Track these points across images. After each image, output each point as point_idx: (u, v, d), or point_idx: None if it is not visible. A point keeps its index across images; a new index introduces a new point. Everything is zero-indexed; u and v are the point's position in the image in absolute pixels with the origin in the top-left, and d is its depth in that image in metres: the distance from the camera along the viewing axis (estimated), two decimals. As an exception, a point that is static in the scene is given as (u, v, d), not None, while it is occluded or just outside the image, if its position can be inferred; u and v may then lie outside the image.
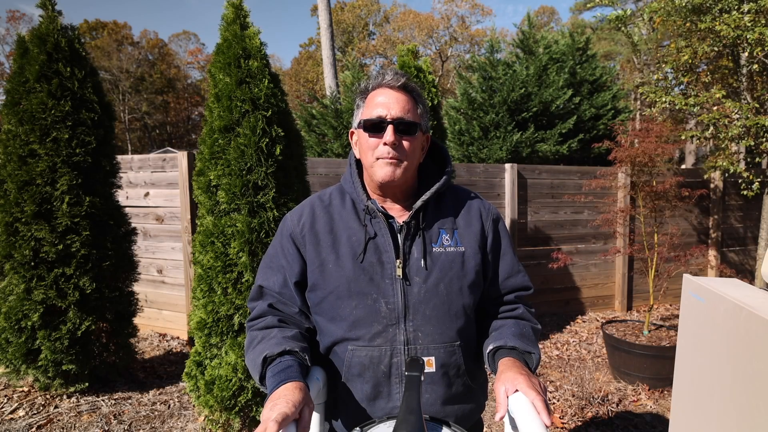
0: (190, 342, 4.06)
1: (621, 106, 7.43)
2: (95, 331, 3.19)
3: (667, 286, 4.12)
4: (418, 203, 1.10)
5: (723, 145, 4.70)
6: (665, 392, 3.40)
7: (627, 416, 3.09)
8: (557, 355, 4.17)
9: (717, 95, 4.50)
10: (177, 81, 37.65)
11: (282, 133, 2.52)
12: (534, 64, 6.71)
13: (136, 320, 3.48)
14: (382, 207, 1.11)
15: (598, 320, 5.09)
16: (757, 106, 4.67)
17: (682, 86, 5.50)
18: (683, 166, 12.31)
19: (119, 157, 3.66)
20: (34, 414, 2.94)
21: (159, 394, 3.27)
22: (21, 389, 3.21)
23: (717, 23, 4.39)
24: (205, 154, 2.53)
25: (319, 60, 28.17)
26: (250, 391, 2.45)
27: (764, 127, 4.40)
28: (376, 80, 1.13)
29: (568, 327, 4.92)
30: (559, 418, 3.06)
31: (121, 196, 3.98)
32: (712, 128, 4.66)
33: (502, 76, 6.73)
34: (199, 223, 2.58)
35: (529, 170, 5.02)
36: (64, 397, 3.13)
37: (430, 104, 3.77)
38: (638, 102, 13.26)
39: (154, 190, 4.36)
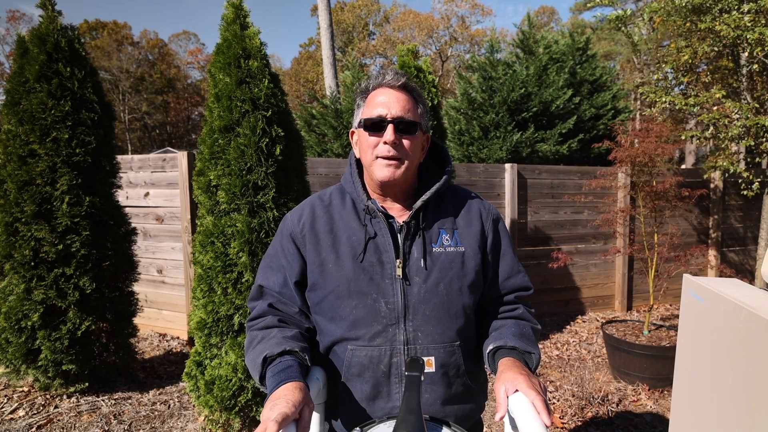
0: (190, 342, 4.06)
1: (621, 106, 7.43)
2: (95, 331, 3.19)
3: (667, 286, 4.12)
4: (418, 203, 1.10)
5: (723, 145, 4.70)
6: (665, 392, 3.40)
7: (627, 416, 3.09)
8: (557, 355, 4.17)
9: (717, 95, 4.50)
10: (177, 81, 37.65)
11: (282, 133, 2.52)
12: (534, 64, 6.71)
13: (136, 320, 3.48)
14: (382, 207, 1.11)
15: (598, 320, 5.09)
16: (757, 106, 4.67)
17: (682, 86, 5.50)
18: (683, 166, 12.31)
19: (119, 157, 3.66)
20: (34, 414, 2.94)
21: (159, 394, 3.27)
22: (21, 389, 3.21)
23: (717, 23, 4.39)
24: (205, 154, 2.53)
25: (319, 60, 28.17)
26: (250, 391, 2.45)
27: (764, 127, 4.40)
28: (376, 80, 1.13)
29: (568, 327, 4.92)
30: (559, 418, 3.06)
31: (121, 196, 3.98)
32: (712, 128, 4.66)
33: (502, 76, 6.73)
34: (199, 223, 2.58)
35: (529, 170, 5.01)
36: (64, 397, 3.13)
37: (430, 104, 3.77)
38: (638, 102, 13.26)
39: (154, 190, 4.36)
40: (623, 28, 6.41)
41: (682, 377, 1.49)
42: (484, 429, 1.69)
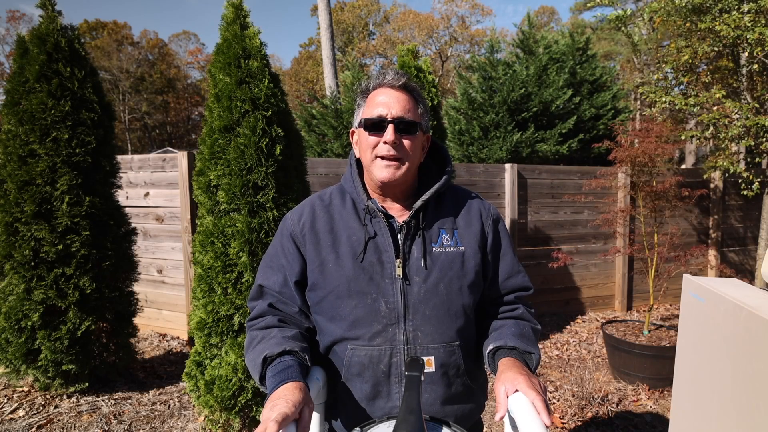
0: (190, 342, 4.06)
1: (621, 106, 7.43)
2: (95, 331, 3.19)
3: (667, 286, 4.12)
4: (418, 203, 1.10)
5: (723, 145, 4.70)
6: (665, 392, 3.40)
7: (627, 416, 3.09)
8: (557, 355, 4.17)
9: (717, 95, 4.50)
10: (177, 81, 37.65)
11: (282, 133, 2.52)
12: (534, 64, 6.71)
13: (136, 320, 3.48)
14: (382, 206, 1.11)
15: (598, 320, 5.09)
16: (757, 106, 4.67)
17: (682, 86, 5.50)
18: (683, 166, 12.31)
19: (119, 157, 3.66)
20: (34, 414, 2.94)
21: (159, 394, 3.27)
22: (21, 389, 3.21)
23: (717, 23, 4.39)
24: (205, 154, 2.53)
25: (319, 60, 28.17)
26: (250, 391, 2.45)
27: (764, 127, 4.40)
28: (377, 80, 1.13)
29: (568, 327, 4.92)
30: (559, 418, 3.06)
31: (121, 196, 3.98)
32: (712, 128, 4.66)
33: (502, 76, 6.73)
34: (199, 223, 2.58)
35: (529, 170, 5.02)
36: (64, 397, 3.13)
37: (430, 104, 3.77)
38: (638, 102, 13.26)
39: (154, 190, 4.36)
40: (623, 28, 6.41)
41: (682, 377, 1.49)
42: (484, 429, 1.69)
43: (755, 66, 4.67)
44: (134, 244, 3.45)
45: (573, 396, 3.34)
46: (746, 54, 4.65)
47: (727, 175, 5.40)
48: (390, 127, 1.06)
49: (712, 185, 5.57)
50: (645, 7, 5.62)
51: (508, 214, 4.87)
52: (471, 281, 1.11)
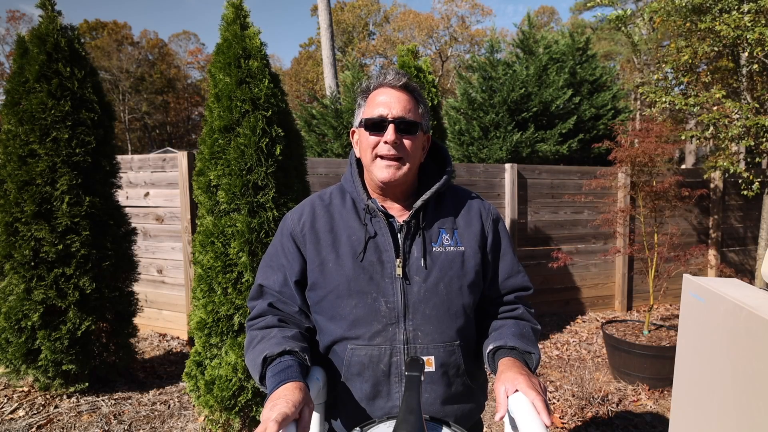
0: (190, 342, 4.06)
1: (621, 106, 7.43)
2: (95, 331, 3.18)
3: (667, 286, 4.12)
4: (419, 203, 1.10)
5: (723, 145, 4.70)
6: (665, 392, 3.40)
7: (627, 416, 3.09)
8: (557, 355, 4.17)
9: (717, 95, 4.50)
10: (177, 81, 37.66)
11: (282, 133, 2.52)
12: (534, 64, 6.71)
13: (136, 320, 3.48)
14: (382, 206, 1.11)
15: (598, 320, 5.09)
16: (757, 106, 4.67)
17: (682, 86, 5.50)
18: (683, 166, 12.31)
19: (119, 157, 3.66)
20: (34, 414, 2.94)
21: (159, 394, 3.27)
22: (21, 389, 3.21)
23: (717, 23, 4.39)
24: (205, 154, 2.53)
25: (319, 60, 28.17)
26: (250, 391, 2.45)
27: (764, 127, 4.40)
28: (377, 80, 1.13)
29: (568, 327, 4.92)
30: (559, 418, 3.06)
31: (121, 196, 3.98)
32: (712, 128, 4.66)
33: (502, 76, 6.73)
34: (199, 223, 2.58)
35: (529, 170, 5.02)
36: (64, 397, 3.13)
37: (430, 104, 3.77)
38: (638, 102, 13.27)
39: (154, 190, 4.36)
40: (623, 28, 6.41)
41: (682, 377, 1.49)
42: (484, 429, 1.69)
43: (755, 66, 4.67)
44: (134, 244, 3.45)
45: (573, 396, 3.34)
46: (746, 54, 4.65)
47: (727, 175, 5.40)
48: (391, 127, 1.06)
49: (712, 185, 5.57)
50: (645, 7, 5.62)
51: (508, 214, 4.87)
52: (471, 281, 1.11)
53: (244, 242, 2.40)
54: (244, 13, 2.57)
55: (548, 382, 3.61)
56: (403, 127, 1.08)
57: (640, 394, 3.40)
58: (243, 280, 2.44)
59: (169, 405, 3.13)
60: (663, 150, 3.68)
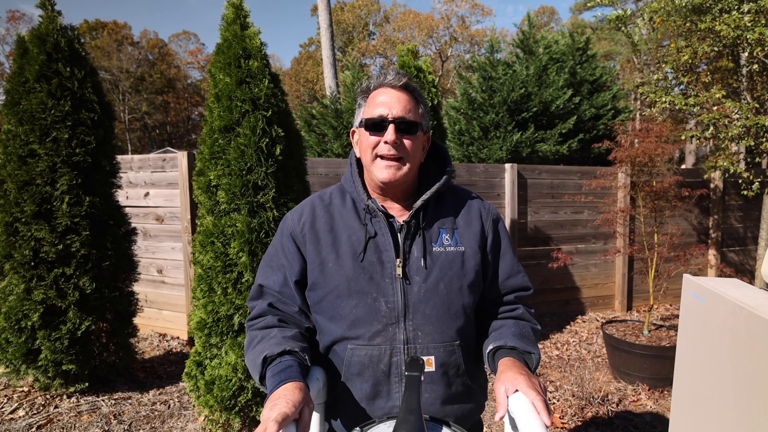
0: (190, 342, 4.06)
1: (621, 106, 7.43)
2: (95, 331, 3.18)
3: (667, 286, 4.12)
4: (419, 203, 1.10)
5: (723, 145, 4.70)
6: (665, 392, 3.40)
7: (627, 416, 3.09)
8: (557, 355, 4.17)
9: (717, 95, 4.50)
10: (177, 81, 37.65)
11: (282, 133, 2.52)
12: (534, 64, 6.71)
13: (136, 320, 3.48)
14: (382, 206, 1.11)
15: (598, 320, 5.09)
16: (757, 106, 4.67)
17: (682, 86, 5.50)
18: (683, 166, 12.31)
19: (119, 157, 3.66)
20: (34, 414, 2.94)
21: (159, 394, 3.27)
22: (21, 389, 3.21)
23: (717, 23, 4.39)
24: (205, 154, 2.53)
25: (319, 60, 28.17)
26: (250, 391, 2.45)
27: (764, 127, 4.40)
28: (377, 80, 1.13)
29: (568, 327, 4.92)
30: (559, 418, 3.06)
31: (121, 196, 3.98)
32: (712, 128, 4.66)
33: (502, 76, 6.73)
34: (199, 223, 2.58)
35: (529, 170, 5.01)
36: (64, 397, 3.13)
37: (430, 104, 3.77)
38: (638, 102, 13.26)
39: (154, 190, 4.36)
40: (623, 28, 6.41)
41: (682, 377, 1.49)
42: (484, 429, 1.69)
43: (755, 66, 4.67)
44: (134, 244, 3.45)
45: (573, 396, 3.34)
46: (746, 54, 4.65)
47: (727, 175, 5.40)
48: (391, 127, 1.06)
49: (712, 185, 5.57)
50: (645, 7, 5.62)
51: (508, 214, 4.87)
52: (471, 281, 1.11)
53: (244, 242, 2.40)
54: (244, 13, 2.57)
55: (548, 382, 3.61)
56: (404, 127, 1.08)
57: (640, 394, 3.40)
58: (243, 280, 2.44)
59: (169, 405, 3.13)
60: (663, 150, 3.68)
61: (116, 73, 32.78)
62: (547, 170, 5.09)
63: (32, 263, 2.96)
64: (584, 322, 5.08)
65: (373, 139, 1.08)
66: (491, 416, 2.92)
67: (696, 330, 1.41)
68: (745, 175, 4.77)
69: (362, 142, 1.12)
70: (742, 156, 6.43)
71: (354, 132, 1.19)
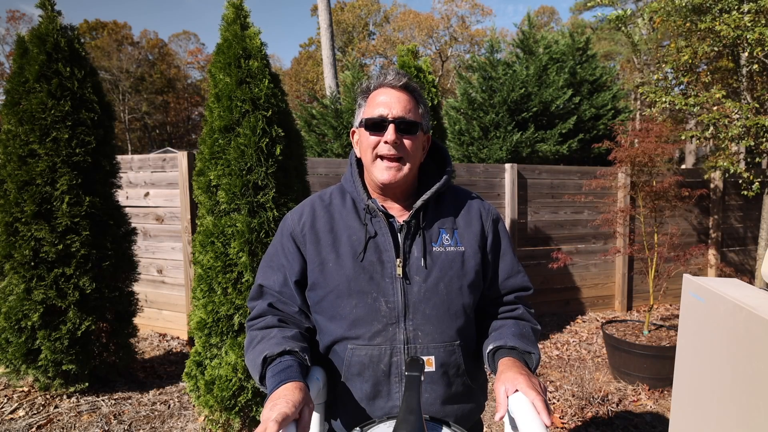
0: (190, 342, 4.06)
1: (621, 106, 7.43)
2: (95, 331, 3.18)
3: (667, 286, 4.12)
4: (419, 203, 1.10)
5: (723, 145, 4.70)
6: (665, 392, 3.40)
7: (627, 416, 3.09)
8: (557, 355, 4.17)
9: (717, 95, 4.50)
10: (177, 81, 37.65)
11: (282, 133, 2.52)
12: (534, 64, 6.71)
13: (136, 320, 3.48)
14: (382, 206, 1.11)
15: (598, 320, 5.09)
16: (757, 106, 4.67)
17: (682, 86, 5.50)
18: (683, 166, 12.31)
19: (119, 157, 3.66)
20: (34, 414, 2.94)
21: (159, 394, 3.27)
22: (21, 389, 3.21)
23: (717, 23, 4.39)
24: (205, 154, 2.53)
25: (319, 60, 28.17)
26: (250, 391, 2.45)
27: (764, 127, 4.40)
28: (378, 80, 1.13)
29: (568, 327, 4.92)
30: (559, 418, 3.06)
31: (121, 196, 3.98)
32: (712, 128, 4.66)
33: (502, 76, 6.73)
34: (199, 223, 2.58)
35: (529, 170, 5.01)
36: (64, 397, 3.13)
37: (430, 104, 3.77)
38: (638, 102, 13.26)
39: (154, 190, 4.36)
40: (623, 28, 6.41)
41: (682, 377, 1.49)
42: (484, 429, 1.69)
43: (755, 66, 4.67)
44: (134, 244, 3.45)
45: (573, 396, 3.34)
46: (746, 54, 4.65)
47: (727, 175, 5.40)
48: (391, 127, 1.06)
49: (712, 185, 5.57)
50: (645, 7, 5.62)
51: (508, 214, 4.87)
52: (471, 281, 1.11)
53: (244, 242, 2.40)
54: (245, 13, 2.57)
55: (548, 382, 3.61)
56: (404, 127, 1.08)
57: (640, 394, 3.40)
58: (243, 280, 2.44)
59: (169, 405, 3.13)
60: (663, 150, 3.68)
61: (116, 73, 32.78)
62: (547, 170, 5.09)
63: (32, 263, 2.96)
64: (584, 322, 5.08)
65: (373, 139, 1.08)
66: (491, 416, 2.92)
67: (696, 330, 1.41)
68: (745, 175, 4.77)
69: (362, 142, 1.12)
70: (742, 156, 6.43)
71: (354, 132, 1.19)
